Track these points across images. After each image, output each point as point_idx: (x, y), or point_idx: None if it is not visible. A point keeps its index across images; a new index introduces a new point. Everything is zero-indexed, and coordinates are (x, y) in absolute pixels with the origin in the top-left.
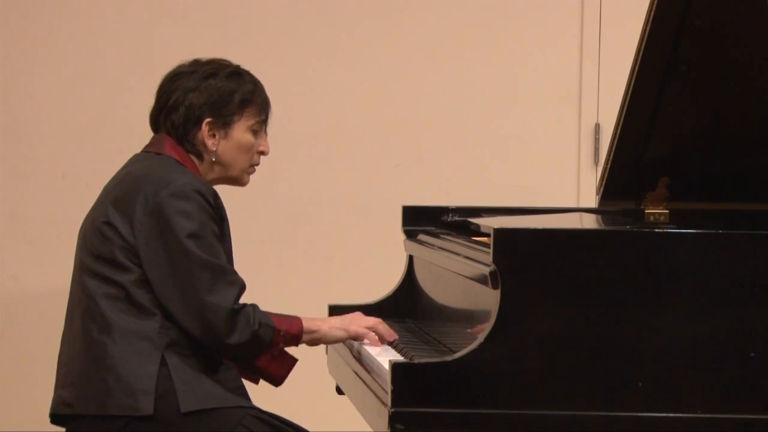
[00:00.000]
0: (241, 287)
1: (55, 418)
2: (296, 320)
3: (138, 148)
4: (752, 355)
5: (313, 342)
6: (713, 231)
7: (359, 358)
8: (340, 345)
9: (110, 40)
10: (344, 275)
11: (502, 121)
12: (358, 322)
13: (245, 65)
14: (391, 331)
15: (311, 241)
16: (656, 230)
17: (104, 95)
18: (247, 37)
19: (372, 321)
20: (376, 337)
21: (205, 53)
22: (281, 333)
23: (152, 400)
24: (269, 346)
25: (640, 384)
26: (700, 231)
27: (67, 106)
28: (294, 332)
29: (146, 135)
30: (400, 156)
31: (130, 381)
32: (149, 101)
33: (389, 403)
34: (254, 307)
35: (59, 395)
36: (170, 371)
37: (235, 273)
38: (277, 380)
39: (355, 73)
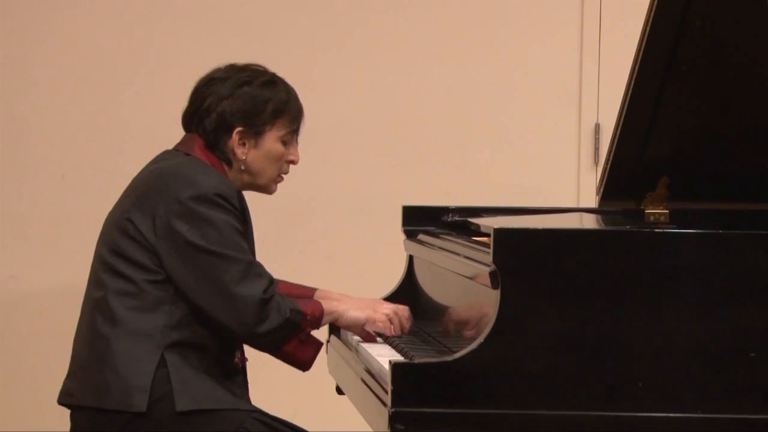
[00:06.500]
0: (270, 279)
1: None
2: (317, 303)
3: (138, 148)
4: (752, 355)
5: (331, 322)
6: (713, 231)
7: (359, 357)
8: (340, 345)
9: (110, 40)
10: (344, 275)
11: (502, 121)
12: (374, 307)
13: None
14: (408, 325)
15: (311, 240)
16: (656, 230)
17: (104, 95)
18: (248, 36)
19: (390, 308)
20: (390, 325)
21: (205, 53)
22: (308, 317)
23: (147, 397)
24: (298, 331)
25: (640, 384)
26: (700, 231)
27: (67, 106)
28: (318, 315)
29: (146, 135)
30: (400, 156)
31: (127, 377)
32: (149, 101)
33: (389, 403)
34: (282, 296)
35: (64, 384)
36: (169, 370)
37: (262, 266)
38: (304, 364)
39: (355, 73)
